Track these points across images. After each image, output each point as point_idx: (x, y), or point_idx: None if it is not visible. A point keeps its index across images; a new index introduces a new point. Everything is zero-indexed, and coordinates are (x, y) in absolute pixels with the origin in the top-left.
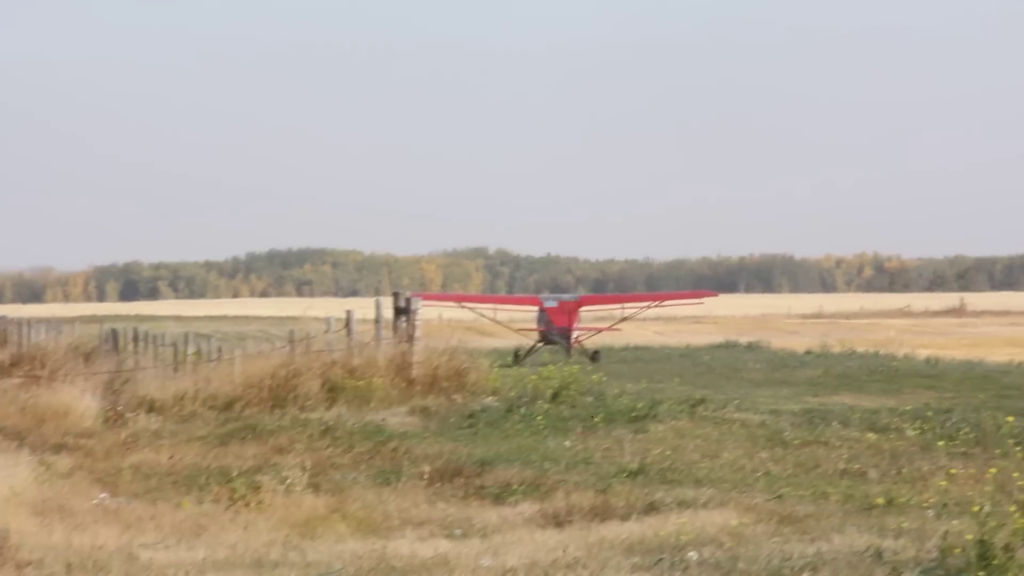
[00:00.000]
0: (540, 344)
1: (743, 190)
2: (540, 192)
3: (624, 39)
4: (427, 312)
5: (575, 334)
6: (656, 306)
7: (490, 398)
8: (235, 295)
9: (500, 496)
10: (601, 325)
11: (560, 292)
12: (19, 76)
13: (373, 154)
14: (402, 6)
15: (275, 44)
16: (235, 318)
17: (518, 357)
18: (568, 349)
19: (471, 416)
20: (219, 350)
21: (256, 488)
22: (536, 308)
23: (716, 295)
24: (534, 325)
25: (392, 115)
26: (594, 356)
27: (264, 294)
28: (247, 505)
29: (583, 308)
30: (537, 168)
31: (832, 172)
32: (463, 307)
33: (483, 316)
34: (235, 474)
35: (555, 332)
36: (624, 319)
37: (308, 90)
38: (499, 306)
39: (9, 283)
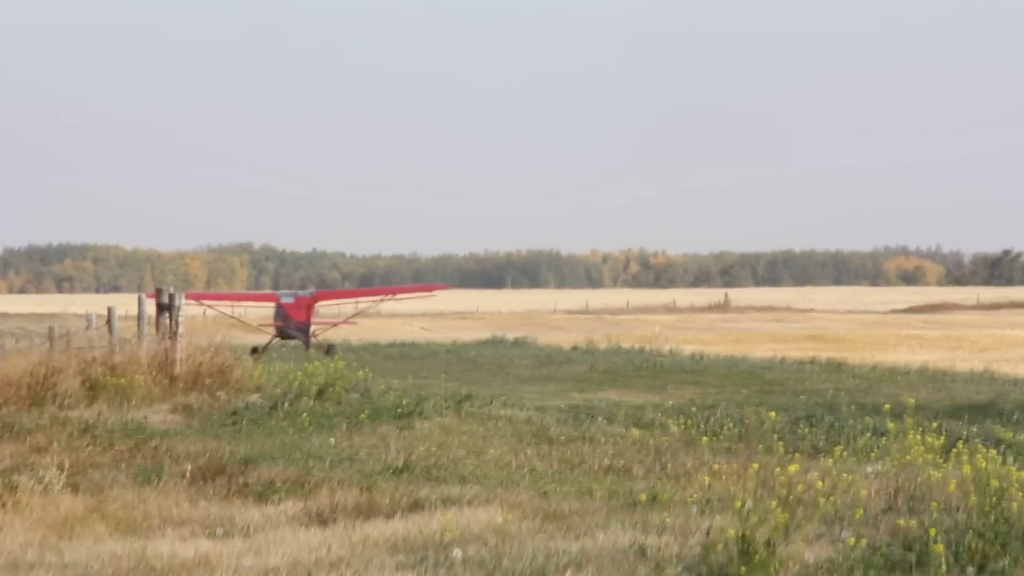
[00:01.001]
0: (276, 339)
1: (508, 184)
2: (305, 185)
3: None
4: (192, 308)
5: (312, 328)
6: (389, 299)
7: (255, 395)
8: None
9: (263, 495)
10: (338, 319)
11: (326, 287)
12: None
13: (134, 139)
14: None
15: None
16: None
17: (256, 352)
18: (306, 343)
19: (235, 413)
20: None
21: (12, 488)
22: (273, 304)
23: (448, 288)
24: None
25: (158, 94)
26: (329, 350)
27: (23, 290)
28: (3, 506)
29: (319, 303)
30: (301, 160)
31: (598, 169)
32: (201, 304)
33: (222, 313)
34: None
35: (292, 327)
36: (358, 313)
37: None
38: (237, 303)
39: None
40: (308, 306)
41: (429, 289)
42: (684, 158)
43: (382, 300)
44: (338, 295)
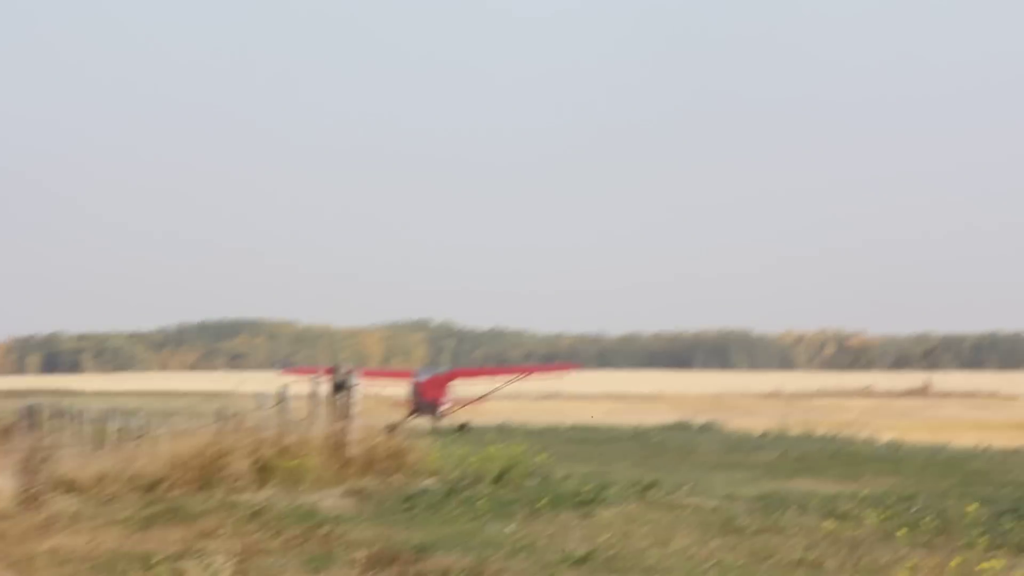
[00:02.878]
0: (411, 416)
1: (698, 264)
2: (486, 261)
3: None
4: (375, 389)
5: (443, 406)
6: (522, 379)
7: (430, 479)
8: (163, 368)
9: None
10: (471, 399)
11: (508, 365)
12: None
13: (313, 219)
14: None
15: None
16: (162, 393)
17: (463, 429)
18: (434, 420)
19: (409, 498)
20: (144, 427)
21: (180, 575)
22: (409, 382)
23: (581, 367)
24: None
25: (328, 176)
26: (462, 427)
27: (194, 367)
28: None
29: (454, 381)
30: (481, 237)
31: (794, 245)
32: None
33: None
34: (157, 560)
35: (423, 404)
36: (491, 392)
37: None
38: (373, 380)
39: None
40: (440, 384)
41: (563, 368)
42: (883, 230)
43: (515, 380)
44: (472, 373)
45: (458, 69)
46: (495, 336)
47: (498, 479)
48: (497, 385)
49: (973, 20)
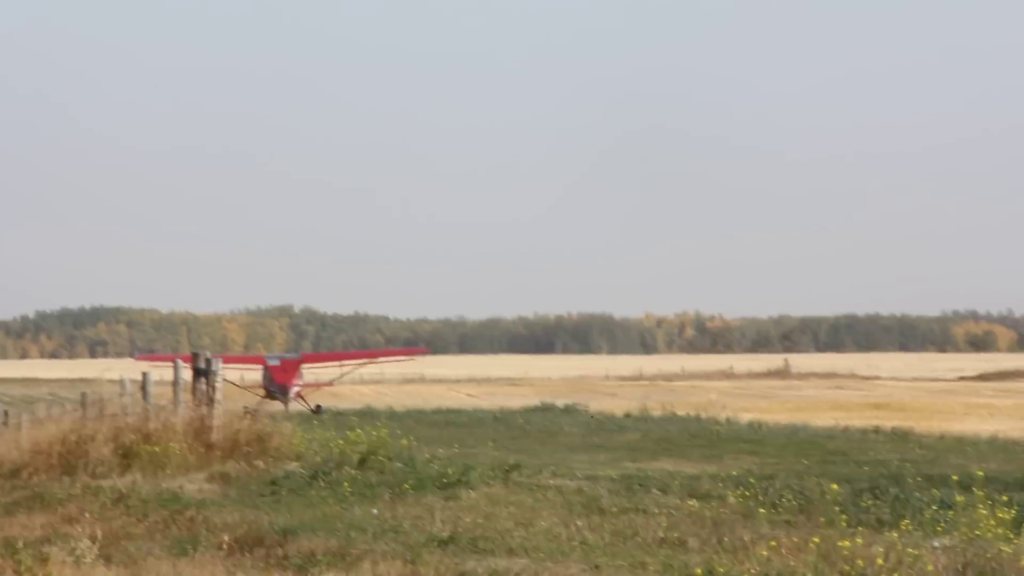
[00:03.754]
0: (264, 400)
1: (558, 244)
2: (349, 248)
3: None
4: (230, 374)
5: (294, 390)
6: (370, 363)
7: (294, 464)
8: (23, 356)
9: (303, 567)
10: (321, 382)
11: (369, 349)
12: None
13: (171, 203)
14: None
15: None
16: (23, 380)
17: (318, 411)
18: (286, 404)
19: (274, 483)
20: (5, 414)
21: (44, 560)
22: (261, 367)
23: (427, 352)
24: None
25: (186, 153)
26: (316, 410)
27: (55, 355)
28: None
29: (305, 365)
30: (338, 224)
31: (650, 231)
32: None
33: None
34: (21, 545)
35: (275, 388)
36: (341, 376)
37: (103, 135)
38: (231, 366)
39: None
40: (292, 369)
41: (409, 353)
42: (741, 217)
43: (364, 364)
44: (324, 358)
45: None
46: (357, 321)
47: (362, 462)
48: (347, 369)
49: None
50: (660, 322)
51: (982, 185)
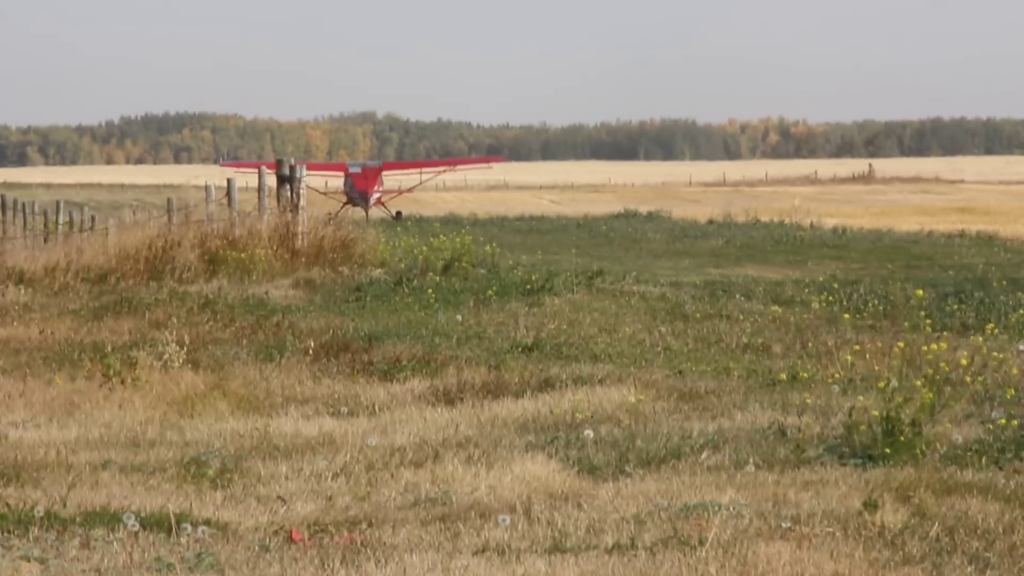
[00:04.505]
0: (346, 207)
1: (642, 52)
2: (431, 55)
3: None
4: (313, 181)
5: (375, 196)
6: (450, 170)
7: (378, 271)
8: (109, 161)
9: (389, 373)
10: (402, 188)
11: (452, 156)
12: None
13: (258, 15)
14: None
15: None
16: (109, 186)
17: (399, 217)
18: (367, 210)
19: (358, 289)
20: (92, 219)
21: (132, 364)
22: (343, 174)
23: (505, 159)
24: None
25: None
26: (397, 216)
27: (140, 161)
28: (122, 382)
29: (385, 173)
30: (425, 29)
31: (736, 34)
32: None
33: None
34: (109, 349)
35: (356, 195)
36: (422, 183)
37: None
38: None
39: None
40: (373, 176)
41: (487, 160)
42: (827, 21)
43: (442, 171)
44: (402, 166)
45: None
46: (440, 128)
47: (446, 269)
48: (427, 177)
49: None
50: (744, 127)
51: None
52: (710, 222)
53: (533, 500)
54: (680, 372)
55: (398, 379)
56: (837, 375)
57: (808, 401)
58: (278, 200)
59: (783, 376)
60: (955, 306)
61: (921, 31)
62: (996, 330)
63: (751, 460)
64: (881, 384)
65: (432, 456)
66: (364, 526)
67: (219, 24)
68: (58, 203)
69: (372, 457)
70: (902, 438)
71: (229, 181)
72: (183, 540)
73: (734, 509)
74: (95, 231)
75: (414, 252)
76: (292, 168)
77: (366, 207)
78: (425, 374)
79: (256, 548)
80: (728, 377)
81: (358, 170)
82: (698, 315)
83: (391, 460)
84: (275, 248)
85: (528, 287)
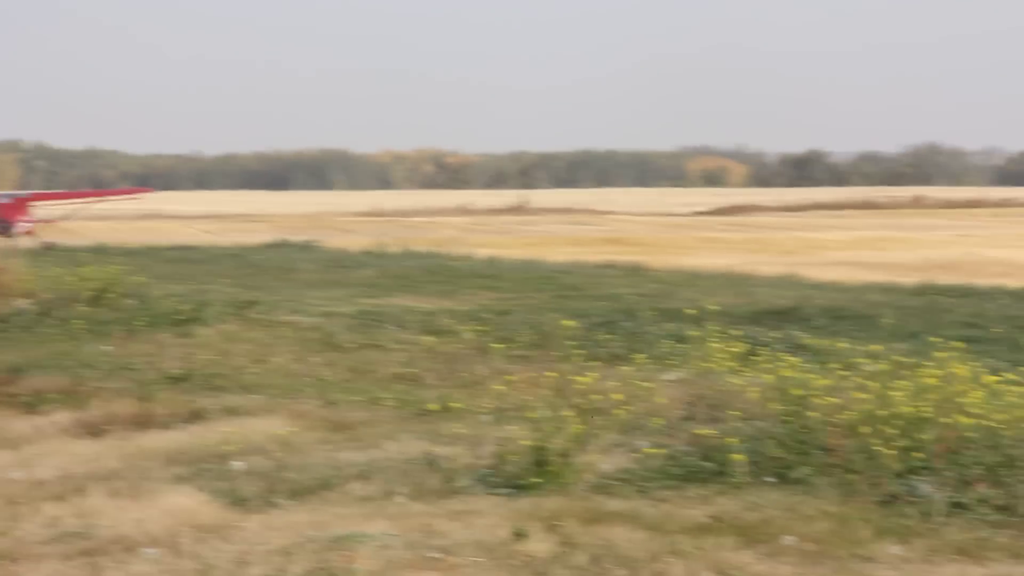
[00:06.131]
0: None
1: (295, 83)
2: (83, 80)
3: None
4: None
5: (24, 226)
6: (98, 202)
7: (24, 300)
8: None
9: (32, 405)
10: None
11: (103, 187)
12: None
13: None
14: None
15: None
16: None
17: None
18: (11, 240)
19: (2, 320)
20: None
21: None
22: None
23: (153, 191)
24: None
25: None
26: (46, 246)
27: None
28: None
29: (33, 203)
30: (69, 55)
31: (389, 64)
32: None
33: None
34: None
35: (2, 224)
36: (69, 215)
37: None
38: None
39: None
40: (20, 205)
41: (135, 192)
42: (476, 55)
43: (89, 203)
44: (52, 196)
45: None
46: (90, 156)
47: (95, 300)
48: (77, 207)
49: None
50: (398, 158)
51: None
52: (364, 252)
53: (180, 533)
54: (332, 403)
55: (42, 411)
56: (488, 405)
57: (459, 431)
58: None
59: (434, 406)
60: (605, 336)
61: (568, 64)
62: (645, 360)
63: (401, 491)
64: (531, 414)
65: (76, 489)
66: (5, 562)
67: None
68: None
69: (13, 491)
70: (551, 468)
71: None
72: None
73: (383, 540)
74: None
75: (61, 282)
76: None
77: (11, 236)
78: (70, 406)
79: None
80: (380, 408)
81: (7, 200)
82: (351, 345)
83: (33, 494)
84: None
85: (178, 317)
